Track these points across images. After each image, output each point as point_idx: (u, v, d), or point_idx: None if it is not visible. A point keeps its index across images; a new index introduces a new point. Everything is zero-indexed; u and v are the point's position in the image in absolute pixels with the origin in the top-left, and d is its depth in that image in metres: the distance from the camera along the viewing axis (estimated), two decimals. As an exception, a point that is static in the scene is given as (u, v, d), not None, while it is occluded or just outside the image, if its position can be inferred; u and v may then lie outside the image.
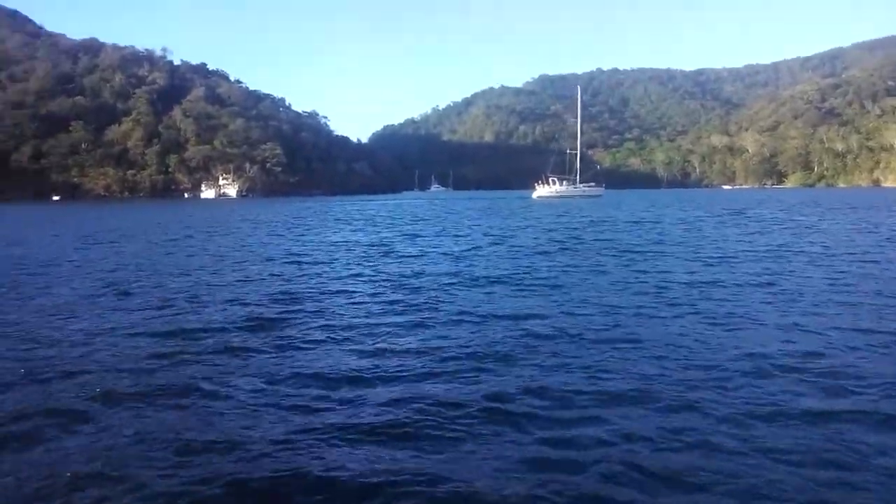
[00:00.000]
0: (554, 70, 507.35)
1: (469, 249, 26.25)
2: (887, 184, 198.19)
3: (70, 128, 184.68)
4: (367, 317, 12.86)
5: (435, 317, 12.66)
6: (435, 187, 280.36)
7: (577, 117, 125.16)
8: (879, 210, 53.80)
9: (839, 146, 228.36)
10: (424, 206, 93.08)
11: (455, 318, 12.52)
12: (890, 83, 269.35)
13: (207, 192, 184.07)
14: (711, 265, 19.92)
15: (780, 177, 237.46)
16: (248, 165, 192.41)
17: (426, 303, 14.28)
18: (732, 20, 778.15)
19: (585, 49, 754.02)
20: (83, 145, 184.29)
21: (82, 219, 63.24)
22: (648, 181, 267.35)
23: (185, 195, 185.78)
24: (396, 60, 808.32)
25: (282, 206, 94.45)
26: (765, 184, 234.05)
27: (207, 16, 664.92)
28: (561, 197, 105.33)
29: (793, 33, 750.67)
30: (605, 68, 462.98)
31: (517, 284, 16.85)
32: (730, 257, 21.71)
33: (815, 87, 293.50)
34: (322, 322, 12.35)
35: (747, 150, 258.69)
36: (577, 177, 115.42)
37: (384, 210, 76.45)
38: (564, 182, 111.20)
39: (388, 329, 11.67)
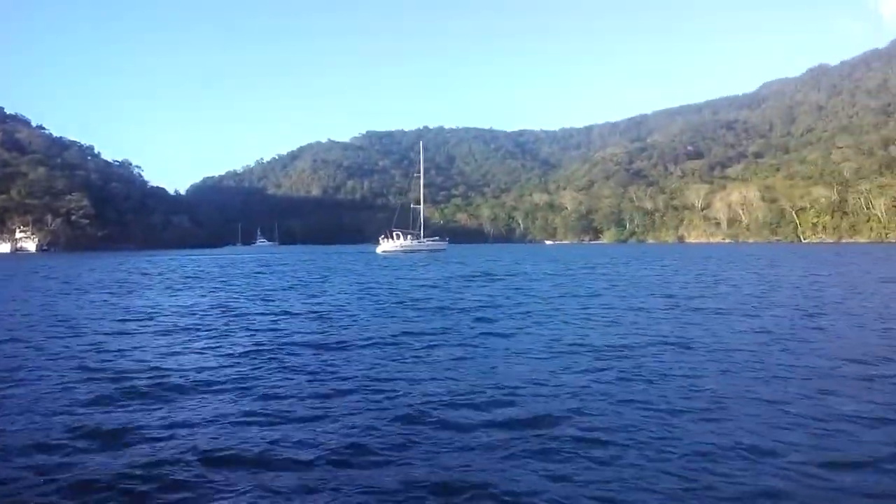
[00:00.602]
0: (381, 126, 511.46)
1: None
2: (690, 240, 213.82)
3: None
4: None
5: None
6: (260, 241, 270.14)
7: (419, 172, 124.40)
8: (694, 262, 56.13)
9: (648, 205, 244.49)
10: (255, 264, 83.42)
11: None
12: (689, 148, 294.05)
13: (2, 246, 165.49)
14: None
15: (596, 232, 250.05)
16: (50, 217, 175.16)
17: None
18: (550, 85, 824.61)
19: (412, 107, 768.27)
20: None
21: None
22: (475, 236, 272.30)
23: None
24: (216, 109, 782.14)
25: (92, 262, 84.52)
26: (582, 239, 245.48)
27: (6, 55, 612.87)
28: (406, 251, 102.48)
29: (603, 100, 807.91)
30: (431, 126, 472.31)
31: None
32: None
33: (624, 149, 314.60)
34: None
35: (566, 208, 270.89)
36: (422, 231, 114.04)
37: (213, 265, 69.85)
38: (409, 236, 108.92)
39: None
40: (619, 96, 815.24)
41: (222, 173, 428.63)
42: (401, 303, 25.79)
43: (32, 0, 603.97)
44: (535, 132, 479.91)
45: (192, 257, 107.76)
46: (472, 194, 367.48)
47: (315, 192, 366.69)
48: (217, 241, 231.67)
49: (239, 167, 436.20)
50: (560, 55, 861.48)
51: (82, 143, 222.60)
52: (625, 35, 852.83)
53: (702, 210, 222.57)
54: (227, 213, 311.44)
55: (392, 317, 21.21)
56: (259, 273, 52.60)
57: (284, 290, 34.10)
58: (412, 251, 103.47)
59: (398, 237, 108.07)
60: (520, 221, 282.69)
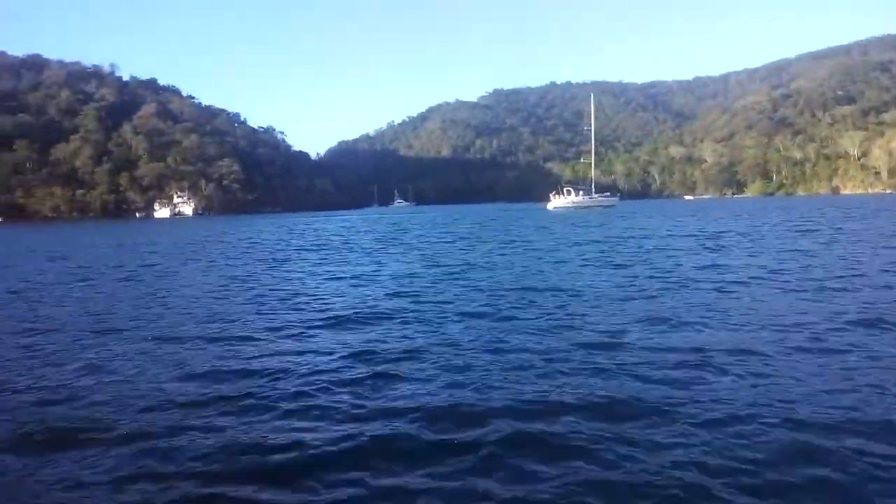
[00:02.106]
0: (508, 84, 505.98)
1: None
2: (846, 191, 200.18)
3: (13, 146, 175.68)
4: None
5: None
6: (398, 202, 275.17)
7: (590, 126, 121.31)
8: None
9: (796, 155, 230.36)
10: (424, 222, 75.10)
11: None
12: (839, 93, 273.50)
13: (161, 212, 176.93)
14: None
15: (740, 186, 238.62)
16: (203, 183, 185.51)
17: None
18: (681, 33, 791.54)
19: (539, 63, 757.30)
20: (28, 164, 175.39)
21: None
22: (610, 193, 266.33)
23: (137, 215, 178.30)
24: (350, 74, 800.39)
25: (253, 224, 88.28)
26: (724, 193, 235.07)
27: (157, 31, 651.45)
28: (578, 207, 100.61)
29: (740, 45, 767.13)
30: (558, 82, 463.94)
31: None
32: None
33: (767, 97, 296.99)
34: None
35: (706, 161, 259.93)
36: (593, 187, 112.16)
37: (382, 229, 59.81)
38: (580, 192, 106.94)
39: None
40: (757, 41, 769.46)
41: (356, 136, 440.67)
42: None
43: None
44: (666, 83, 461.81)
45: (348, 218, 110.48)
46: (602, 150, 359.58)
47: (445, 152, 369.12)
48: (356, 202, 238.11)
49: (371, 130, 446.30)
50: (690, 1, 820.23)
51: (230, 110, 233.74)
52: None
53: (858, 159, 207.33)
54: (363, 176, 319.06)
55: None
56: (464, 238, 41.45)
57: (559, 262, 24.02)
58: (583, 207, 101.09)
59: (569, 193, 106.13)
60: (656, 176, 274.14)
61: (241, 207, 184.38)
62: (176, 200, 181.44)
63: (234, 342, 11.16)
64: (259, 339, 11.35)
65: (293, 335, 11.64)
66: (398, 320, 12.81)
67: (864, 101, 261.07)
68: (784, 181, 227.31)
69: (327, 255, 31.05)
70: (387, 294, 16.70)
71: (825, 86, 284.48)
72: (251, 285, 19.48)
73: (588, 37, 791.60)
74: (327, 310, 14.30)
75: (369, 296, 16.49)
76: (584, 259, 24.09)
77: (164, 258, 31.42)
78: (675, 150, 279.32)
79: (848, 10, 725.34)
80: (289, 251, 34.10)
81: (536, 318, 12.50)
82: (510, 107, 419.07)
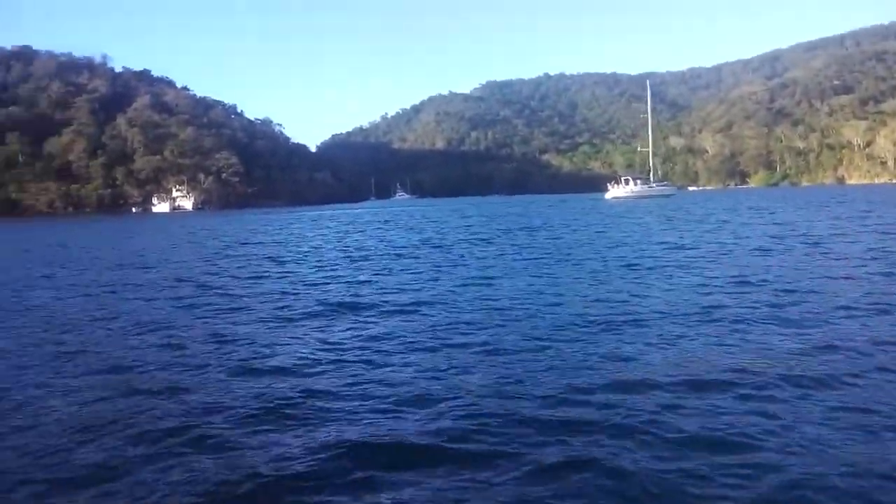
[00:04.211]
0: (501, 76, 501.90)
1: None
2: (851, 181, 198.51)
3: (6, 140, 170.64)
4: None
5: None
6: (400, 195, 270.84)
7: (647, 112, 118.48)
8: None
9: (799, 145, 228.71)
10: (448, 218, 65.67)
11: None
12: (836, 82, 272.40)
13: (160, 206, 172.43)
14: None
15: (743, 177, 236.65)
16: (202, 176, 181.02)
17: None
18: (674, 24, 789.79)
19: (532, 55, 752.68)
20: (20, 158, 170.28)
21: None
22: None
23: (134, 210, 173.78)
24: (341, 67, 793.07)
25: (262, 219, 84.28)
26: (727, 184, 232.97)
27: (146, 22, 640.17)
28: (638, 197, 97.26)
29: (733, 36, 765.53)
30: (551, 73, 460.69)
31: None
32: None
33: (764, 87, 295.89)
34: None
35: (706, 151, 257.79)
36: (652, 175, 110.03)
37: (405, 223, 55.42)
38: (638, 181, 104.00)
39: None
40: (750, 32, 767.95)
41: (349, 130, 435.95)
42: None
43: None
44: (660, 74, 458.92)
45: (357, 212, 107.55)
46: (597, 141, 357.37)
47: (440, 144, 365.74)
48: (354, 195, 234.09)
49: (365, 123, 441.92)
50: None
51: (225, 102, 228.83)
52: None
53: (863, 149, 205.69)
54: (358, 169, 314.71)
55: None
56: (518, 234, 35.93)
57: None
58: (643, 197, 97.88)
59: (627, 183, 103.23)
60: (657, 167, 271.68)
61: (241, 201, 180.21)
62: (175, 194, 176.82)
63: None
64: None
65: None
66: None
67: (861, 91, 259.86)
68: (788, 171, 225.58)
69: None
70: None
71: (821, 76, 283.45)
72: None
73: (581, 28, 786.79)
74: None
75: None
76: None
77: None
78: (675, 141, 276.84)
79: (839, 1, 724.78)
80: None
81: None
82: (503, 99, 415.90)
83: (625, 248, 24.16)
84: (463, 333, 10.37)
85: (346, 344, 10.00)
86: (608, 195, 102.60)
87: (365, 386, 7.69)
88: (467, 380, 7.81)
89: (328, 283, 17.38)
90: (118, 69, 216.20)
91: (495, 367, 8.30)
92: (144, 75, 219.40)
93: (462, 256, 23.79)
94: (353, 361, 8.87)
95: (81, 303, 15.66)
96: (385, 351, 9.40)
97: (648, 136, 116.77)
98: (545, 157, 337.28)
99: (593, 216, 54.66)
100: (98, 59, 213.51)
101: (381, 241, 34.40)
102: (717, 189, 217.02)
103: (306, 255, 26.74)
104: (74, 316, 13.73)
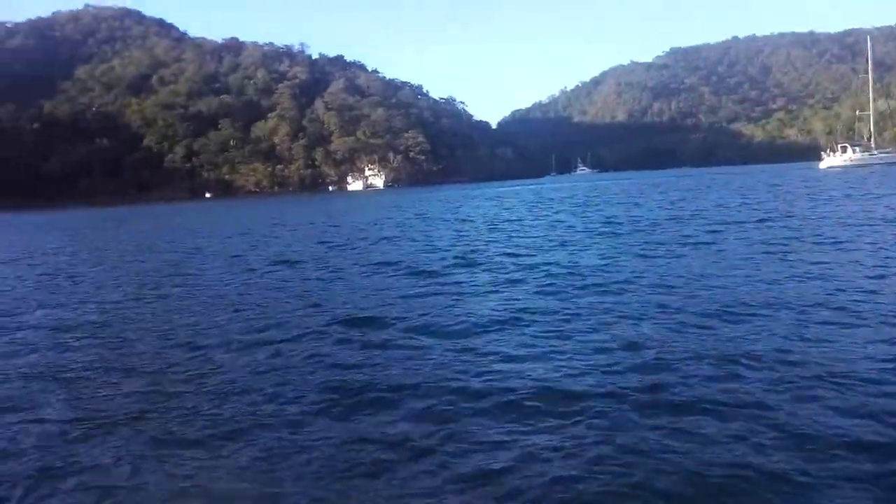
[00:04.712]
0: (685, 42, 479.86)
1: None
2: None
3: (219, 126, 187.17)
4: None
5: None
6: (581, 169, 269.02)
7: (868, 71, 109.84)
8: None
9: None
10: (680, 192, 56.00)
11: None
12: None
13: (355, 185, 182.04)
14: None
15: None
16: (391, 155, 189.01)
17: None
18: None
19: (718, 17, 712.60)
20: (232, 142, 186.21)
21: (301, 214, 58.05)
22: (810, 153, 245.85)
23: (330, 188, 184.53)
24: (519, 41, 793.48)
25: (471, 194, 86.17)
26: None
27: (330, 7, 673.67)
28: (858, 166, 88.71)
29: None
30: (741, 36, 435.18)
31: None
32: None
33: None
34: None
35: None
36: (873, 142, 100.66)
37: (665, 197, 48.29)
38: (857, 149, 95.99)
39: None
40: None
41: (529, 105, 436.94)
42: None
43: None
44: (865, 30, 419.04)
45: (556, 186, 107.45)
46: (794, 107, 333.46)
47: (620, 116, 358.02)
48: (536, 171, 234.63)
49: (544, 98, 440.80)
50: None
51: (412, 83, 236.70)
52: None
53: None
54: (538, 144, 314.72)
55: None
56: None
57: None
58: (864, 165, 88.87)
59: (844, 150, 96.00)
60: (863, 134, 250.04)
61: (428, 178, 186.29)
62: (367, 173, 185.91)
63: None
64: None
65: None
66: None
67: None
68: None
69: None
70: None
71: None
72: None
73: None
74: None
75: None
76: None
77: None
78: (884, 104, 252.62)
79: None
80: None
81: None
82: (689, 65, 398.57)
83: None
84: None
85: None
86: (823, 164, 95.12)
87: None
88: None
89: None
90: (315, 56, 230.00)
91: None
92: (338, 61, 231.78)
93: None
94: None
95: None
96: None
97: (869, 98, 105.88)
98: (735, 126, 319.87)
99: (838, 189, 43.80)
100: (297, 48, 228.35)
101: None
102: None
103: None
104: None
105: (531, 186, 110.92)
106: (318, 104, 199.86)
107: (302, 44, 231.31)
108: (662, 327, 9.36)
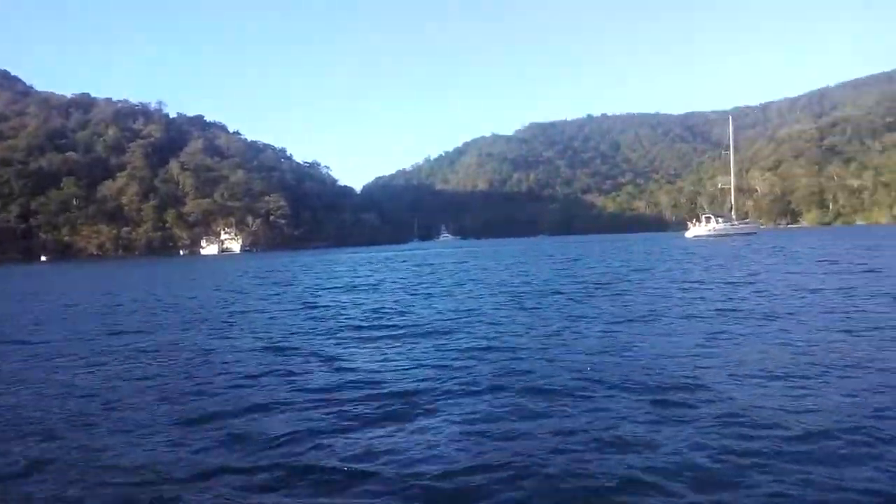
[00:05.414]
0: (544, 118, 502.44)
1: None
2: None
3: (61, 185, 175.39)
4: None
5: None
6: (444, 236, 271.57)
7: (729, 148, 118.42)
8: None
9: (853, 183, 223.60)
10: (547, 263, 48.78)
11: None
12: (888, 119, 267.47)
13: (209, 248, 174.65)
14: None
15: (794, 215, 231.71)
16: (250, 219, 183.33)
17: None
18: (717, 64, 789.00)
19: (574, 96, 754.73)
20: (74, 202, 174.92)
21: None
22: (656, 224, 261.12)
23: (182, 252, 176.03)
24: (383, 109, 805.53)
25: (334, 260, 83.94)
26: (779, 223, 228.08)
27: (199, 70, 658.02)
28: (719, 236, 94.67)
29: (778, 75, 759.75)
30: (594, 114, 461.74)
31: None
32: None
33: (814, 125, 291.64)
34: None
35: (756, 190, 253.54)
36: (734, 213, 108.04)
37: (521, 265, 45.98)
38: (720, 219, 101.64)
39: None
40: (795, 70, 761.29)
41: (393, 172, 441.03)
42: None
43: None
44: (704, 113, 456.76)
45: (414, 252, 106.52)
46: (640, 181, 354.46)
47: (482, 186, 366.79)
48: (399, 237, 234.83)
49: (408, 165, 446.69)
50: (726, 31, 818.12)
51: (275, 145, 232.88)
52: (794, 6, 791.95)
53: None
54: (402, 210, 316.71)
55: None
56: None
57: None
58: (725, 235, 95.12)
59: (708, 220, 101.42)
60: (705, 206, 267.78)
61: (288, 243, 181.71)
62: (223, 237, 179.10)
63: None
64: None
65: None
66: None
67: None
68: (841, 210, 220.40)
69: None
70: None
71: (873, 113, 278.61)
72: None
73: (623, 69, 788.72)
74: None
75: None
76: None
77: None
78: (723, 181, 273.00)
79: (888, 37, 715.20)
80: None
81: None
82: (546, 140, 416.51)
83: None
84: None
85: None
86: (689, 234, 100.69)
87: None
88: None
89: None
90: (172, 115, 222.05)
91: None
92: (197, 120, 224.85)
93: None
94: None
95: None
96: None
97: (731, 172, 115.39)
98: (588, 197, 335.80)
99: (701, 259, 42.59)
100: (154, 106, 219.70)
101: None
102: (767, 228, 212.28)
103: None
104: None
105: (407, 251, 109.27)
106: (174, 164, 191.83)
107: (159, 102, 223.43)
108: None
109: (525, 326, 14.91)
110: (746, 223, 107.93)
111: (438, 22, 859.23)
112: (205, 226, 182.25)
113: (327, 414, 8.08)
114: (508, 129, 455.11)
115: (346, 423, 7.66)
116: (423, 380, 9.70)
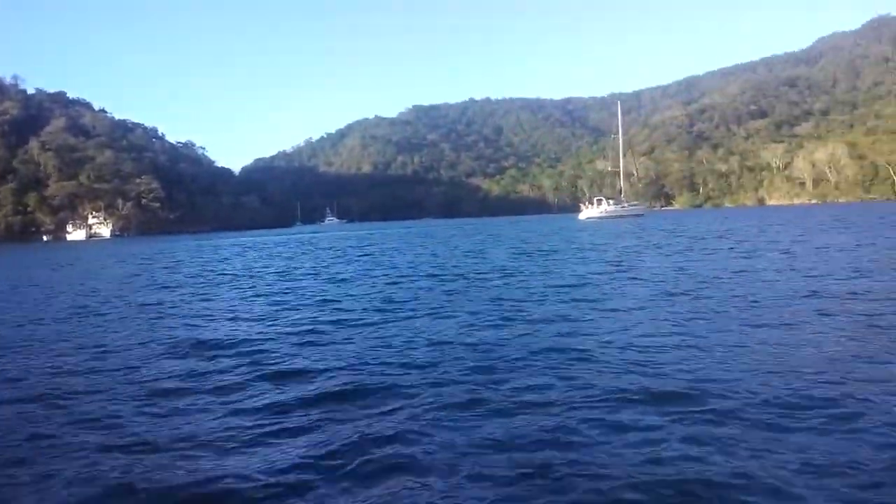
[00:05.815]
0: (427, 100, 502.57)
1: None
2: (772, 202, 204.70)
3: None
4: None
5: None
6: (329, 219, 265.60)
7: (618, 132, 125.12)
8: None
9: (721, 167, 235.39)
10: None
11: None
12: (752, 107, 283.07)
13: (76, 234, 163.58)
14: None
15: (668, 199, 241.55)
16: (120, 202, 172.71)
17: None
18: (595, 50, 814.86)
19: (457, 79, 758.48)
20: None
21: None
22: (539, 207, 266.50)
23: (45, 238, 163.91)
24: (263, 90, 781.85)
25: (216, 245, 79.35)
26: (653, 206, 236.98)
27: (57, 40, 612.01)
28: (611, 217, 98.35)
29: (651, 62, 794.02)
30: (477, 98, 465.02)
31: None
32: None
33: (683, 112, 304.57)
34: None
35: (633, 174, 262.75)
36: (623, 196, 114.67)
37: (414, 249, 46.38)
38: (611, 202, 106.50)
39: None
40: (667, 59, 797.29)
41: (273, 153, 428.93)
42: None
43: None
44: (583, 99, 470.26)
45: (306, 237, 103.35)
46: (522, 165, 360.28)
47: (366, 168, 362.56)
48: (282, 220, 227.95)
49: (289, 147, 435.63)
50: (603, 21, 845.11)
51: (146, 124, 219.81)
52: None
53: (782, 170, 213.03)
54: (284, 193, 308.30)
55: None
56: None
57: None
58: (616, 217, 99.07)
59: (600, 203, 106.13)
60: (585, 190, 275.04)
61: (163, 227, 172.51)
62: (91, 221, 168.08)
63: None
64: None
65: None
66: None
67: (775, 116, 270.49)
68: (711, 193, 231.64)
69: None
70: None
71: (737, 101, 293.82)
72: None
73: (505, 54, 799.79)
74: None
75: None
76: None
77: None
78: (602, 164, 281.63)
79: (752, 28, 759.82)
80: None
81: None
82: (430, 123, 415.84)
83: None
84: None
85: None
86: (581, 215, 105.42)
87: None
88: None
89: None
90: (31, 91, 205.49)
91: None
92: (59, 97, 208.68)
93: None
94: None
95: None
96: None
97: (620, 156, 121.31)
98: (473, 180, 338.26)
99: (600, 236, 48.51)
100: (8, 80, 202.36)
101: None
102: (671, 210, 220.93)
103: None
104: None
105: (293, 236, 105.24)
106: (34, 144, 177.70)
107: (15, 76, 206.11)
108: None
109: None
110: (635, 205, 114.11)
111: (318, 2, 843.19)
112: (71, 210, 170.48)
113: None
114: (391, 112, 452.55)
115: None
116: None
